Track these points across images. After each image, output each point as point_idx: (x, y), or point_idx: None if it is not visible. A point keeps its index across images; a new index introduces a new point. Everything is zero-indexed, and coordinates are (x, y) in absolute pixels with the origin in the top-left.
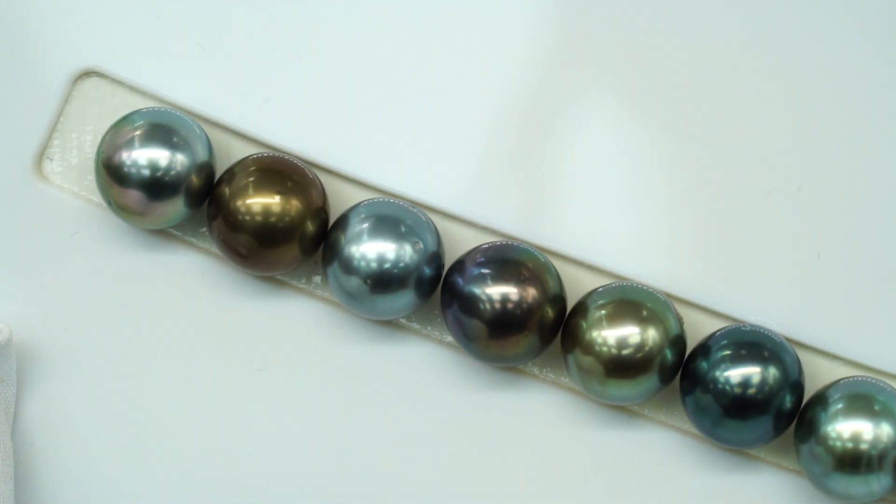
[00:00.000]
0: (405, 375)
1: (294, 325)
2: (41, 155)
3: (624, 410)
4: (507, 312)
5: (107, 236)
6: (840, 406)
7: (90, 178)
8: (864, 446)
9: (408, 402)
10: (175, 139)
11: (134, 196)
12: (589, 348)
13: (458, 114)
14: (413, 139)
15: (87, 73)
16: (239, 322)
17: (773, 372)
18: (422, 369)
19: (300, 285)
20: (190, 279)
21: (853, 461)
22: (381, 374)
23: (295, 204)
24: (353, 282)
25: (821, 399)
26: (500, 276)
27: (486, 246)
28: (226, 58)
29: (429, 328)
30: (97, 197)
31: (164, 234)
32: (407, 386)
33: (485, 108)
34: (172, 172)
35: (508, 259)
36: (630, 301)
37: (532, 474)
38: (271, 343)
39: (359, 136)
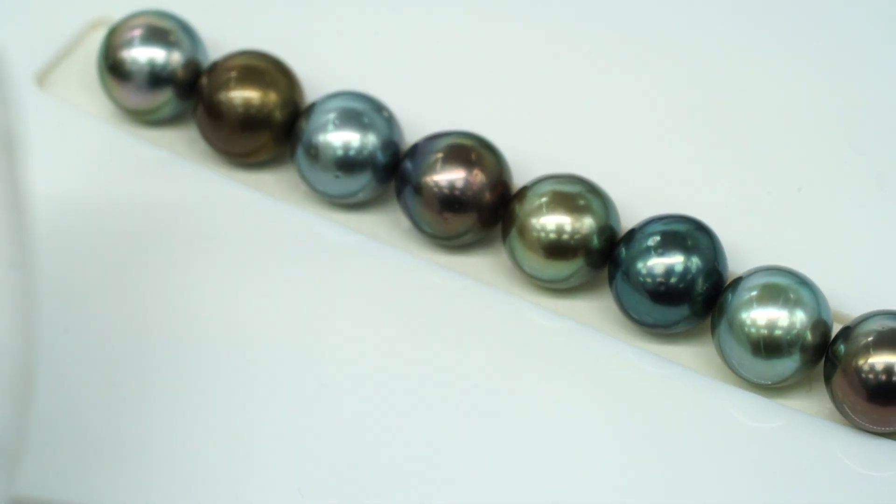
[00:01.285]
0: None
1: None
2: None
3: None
4: (455, 195)
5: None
6: (755, 293)
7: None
8: (777, 332)
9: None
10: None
11: (131, 89)
12: (527, 235)
13: None
14: None
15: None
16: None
17: (695, 261)
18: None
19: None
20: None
21: (768, 346)
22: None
23: (270, 95)
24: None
25: (733, 286)
26: (450, 161)
27: (437, 133)
28: None
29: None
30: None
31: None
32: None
33: None
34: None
35: (459, 145)
36: (568, 194)
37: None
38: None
39: None
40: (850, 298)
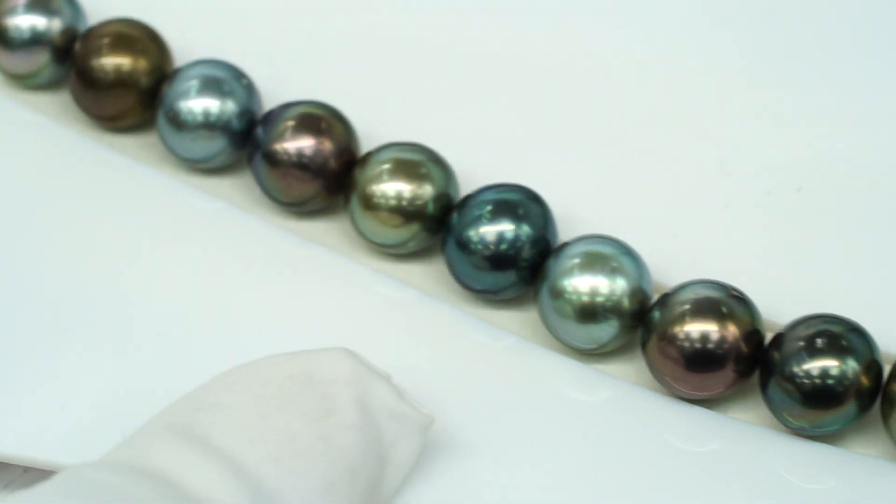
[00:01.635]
0: None
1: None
2: None
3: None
4: (302, 162)
5: None
6: (577, 261)
7: None
8: (598, 299)
9: None
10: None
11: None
12: (368, 201)
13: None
14: None
15: None
16: None
17: (525, 229)
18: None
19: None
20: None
21: (587, 312)
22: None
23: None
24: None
25: (557, 252)
26: (300, 129)
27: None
28: None
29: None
30: None
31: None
32: None
33: None
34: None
35: (310, 113)
36: (409, 161)
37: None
38: None
39: None
40: (672, 270)
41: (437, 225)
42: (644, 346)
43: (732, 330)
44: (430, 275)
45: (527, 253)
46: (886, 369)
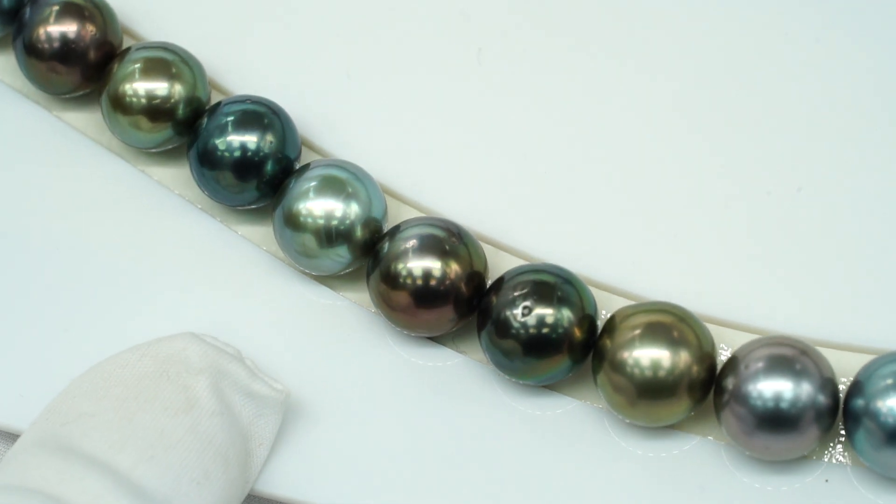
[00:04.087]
0: None
1: None
2: None
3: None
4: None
5: None
6: (314, 184)
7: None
8: (333, 223)
9: None
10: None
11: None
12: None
13: None
14: None
15: None
16: None
17: (269, 139)
18: None
19: None
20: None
21: (326, 236)
22: None
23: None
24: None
25: (298, 174)
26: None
27: None
28: None
29: None
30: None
31: None
32: None
33: None
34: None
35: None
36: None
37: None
38: None
39: None
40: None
41: (187, 129)
42: (368, 276)
43: (455, 268)
44: (173, 174)
45: (270, 169)
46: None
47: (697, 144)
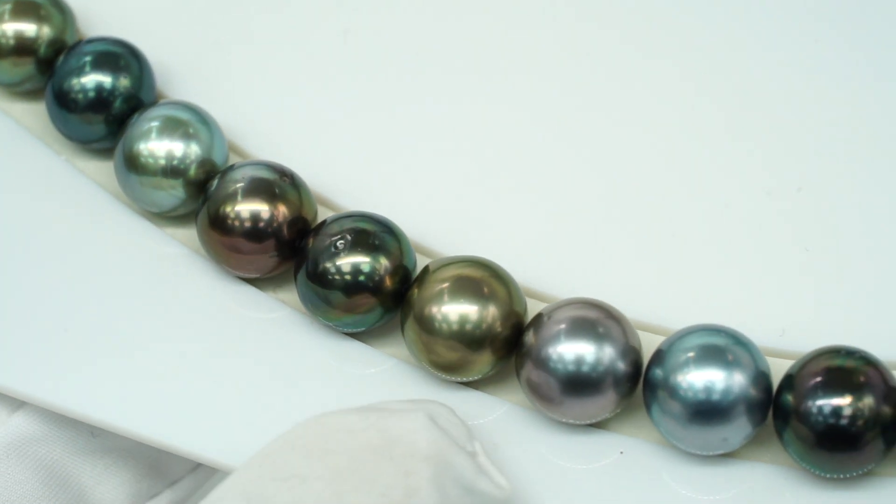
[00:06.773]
0: None
1: None
2: None
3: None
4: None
5: None
6: (155, 125)
7: None
8: (161, 161)
9: None
10: None
11: None
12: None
13: None
14: None
15: None
16: None
17: (122, 81)
18: None
19: None
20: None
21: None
22: None
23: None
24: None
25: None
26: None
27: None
28: None
29: None
30: None
31: None
32: None
33: None
34: None
35: None
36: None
37: None
38: None
39: None
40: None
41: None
42: (197, 218)
43: (282, 210)
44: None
45: (118, 106)
46: None
47: (697, 144)
